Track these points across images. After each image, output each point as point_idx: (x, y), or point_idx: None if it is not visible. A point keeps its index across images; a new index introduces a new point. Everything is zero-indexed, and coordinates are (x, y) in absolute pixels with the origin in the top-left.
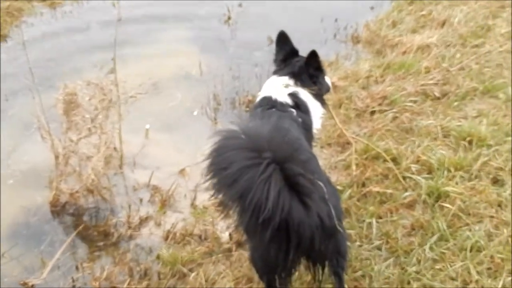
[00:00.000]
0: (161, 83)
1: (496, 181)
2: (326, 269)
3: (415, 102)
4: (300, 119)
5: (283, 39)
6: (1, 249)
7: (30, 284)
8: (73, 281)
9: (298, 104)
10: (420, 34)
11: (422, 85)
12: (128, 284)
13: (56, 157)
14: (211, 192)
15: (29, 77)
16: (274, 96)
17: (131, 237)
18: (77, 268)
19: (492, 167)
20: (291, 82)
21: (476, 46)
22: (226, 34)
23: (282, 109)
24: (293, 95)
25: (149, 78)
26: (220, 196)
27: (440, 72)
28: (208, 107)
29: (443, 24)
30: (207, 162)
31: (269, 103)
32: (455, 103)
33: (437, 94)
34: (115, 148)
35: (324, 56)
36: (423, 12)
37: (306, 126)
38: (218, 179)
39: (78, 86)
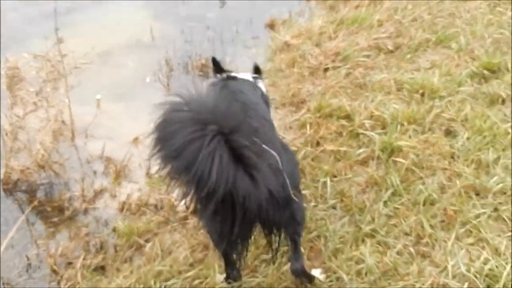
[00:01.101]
0: (112, 51)
1: (449, 133)
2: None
3: (368, 56)
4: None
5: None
6: None
7: None
8: (28, 259)
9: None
10: None
11: (375, 38)
12: (84, 258)
13: (5, 134)
14: (159, 165)
15: None
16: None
17: (86, 211)
18: (32, 245)
19: (445, 119)
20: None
21: None
22: None
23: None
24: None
25: (99, 46)
26: (167, 169)
27: (393, 25)
28: (161, 73)
29: None
30: (152, 136)
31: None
32: (408, 56)
33: (390, 47)
34: (63, 121)
35: (278, 14)
36: None
37: (264, 97)
38: (164, 153)
39: (23, 59)
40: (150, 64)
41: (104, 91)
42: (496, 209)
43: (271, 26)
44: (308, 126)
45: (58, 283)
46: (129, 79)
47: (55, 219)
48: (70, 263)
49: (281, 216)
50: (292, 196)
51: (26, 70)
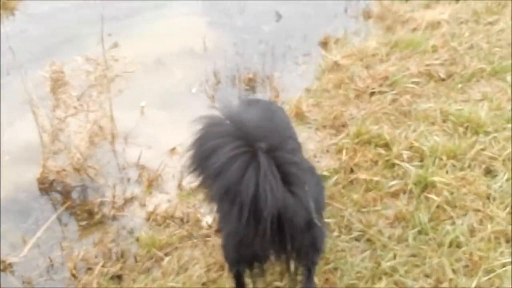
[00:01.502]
0: (164, 58)
1: (488, 172)
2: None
3: (417, 83)
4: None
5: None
6: None
7: (7, 262)
8: (51, 260)
9: None
10: (433, 10)
11: (427, 65)
12: (102, 265)
13: (44, 135)
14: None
15: (33, 50)
16: None
17: (114, 217)
18: (56, 247)
19: (486, 157)
20: None
21: (490, 23)
22: (235, 7)
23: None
24: None
25: (152, 53)
26: (205, 188)
27: (448, 52)
28: (207, 84)
29: None
30: (190, 151)
31: None
32: (459, 85)
33: (442, 75)
34: (100, 127)
35: (333, 32)
36: None
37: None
38: (202, 170)
39: (74, 62)
40: (198, 74)
41: (149, 98)
42: None
43: (324, 44)
44: (344, 152)
45: None
46: (176, 88)
47: (83, 223)
48: (89, 269)
49: (302, 241)
50: (315, 220)
51: (74, 74)
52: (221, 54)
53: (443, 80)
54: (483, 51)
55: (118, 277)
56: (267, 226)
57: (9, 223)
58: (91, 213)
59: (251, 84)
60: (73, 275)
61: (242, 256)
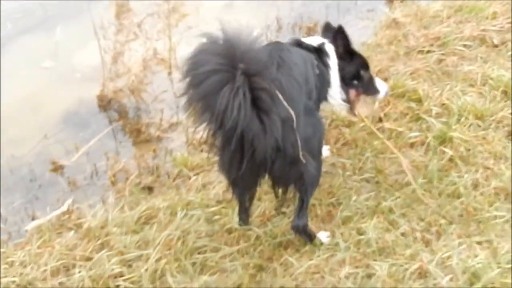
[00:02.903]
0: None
1: (510, 135)
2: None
3: (468, 47)
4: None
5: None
6: (51, 132)
7: (58, 164)
8: (95, 167)
9: (322, 54)
10: None
11: (482, 30)
12: (137, 176)
13: (106, 57)
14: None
15: None
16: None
17: (158, 138)
18: (103, 157)
19: None
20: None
21: None
22: None
23: (303, 48)
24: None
25: None
26: (187, 94)
27: (507, 20)
28: (269, 30)
29: None
30: (185, 64)
31: (296, 42)
32: (510, 53)
33: (495, 42)
34: (157, 55)
35: None
36: None
37: (322, 79)
38: (189, 79)
39: None
40: (264, 19)
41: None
42: None
43: (390, 1)
44: (377, 102)
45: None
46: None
47: (131, 139)
48: (127, 179)
49: (288, 173)
50: (301, 157)
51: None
52: (288, 2)
53: (495, 46)
54: None
55: (149, 189)
56: (232, 141)
57: (68, 132)
58: (139, 132)
59: (310, 33)
60: (112, 182)
61: (233, 180)
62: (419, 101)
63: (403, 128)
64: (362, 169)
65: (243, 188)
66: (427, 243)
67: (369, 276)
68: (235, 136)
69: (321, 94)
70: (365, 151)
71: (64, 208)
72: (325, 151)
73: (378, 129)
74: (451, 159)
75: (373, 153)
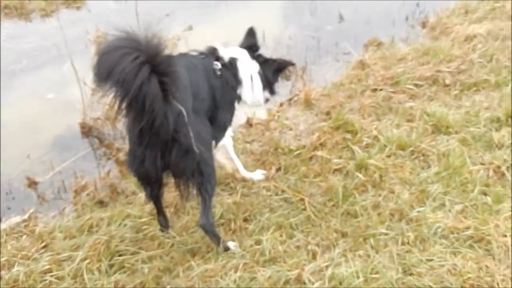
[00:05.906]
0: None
1: (425, 162)
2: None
3: (420, 86)
4: (221, 75)
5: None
6: (39, 153)
7: (33, 180)
8: (64, 185)
9: (229, 66)
10: (478, 24)
11: (437, 71)
12: (91, 191)
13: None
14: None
15: None
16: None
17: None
18: (73, 176)
19: (431, 152)
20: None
21: None
22: (306, 5)
23: (206, 57)
24: (232, 59)
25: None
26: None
27: (464, 63)
28: None
29: None
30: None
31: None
32: (455, 92)
33: (447, 82)
34: None
35: (386, 37)
36: (498, 4)
37: (228, 85)
38: (97, 58)
39: None
40: None
41: None
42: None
43: (367, 46)
44: (317, 133)
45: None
46: None
47: (102, 161)
48: (88, 195)
49: (186, 161)
50: (194, 147)
51: None
52: (273, 46)
53: (446, 86)
54: (497, 66)
55: (101, 203)
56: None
57: (52, 154)
58: (111, 155)
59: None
60: (73, 197)
61: (140, 175)
62: (355, 133)
63: (332, 156)
64: (283, 191)
65: (149, 184)
66: (314, 254)
67: (252, 280)
68: (138, 98)
69: (227, 95)
70: (290, 176)
71: (25, 216)
72: (259, 175)
73: (311, 157)
74: (363, 184)
75: (298, 177)
